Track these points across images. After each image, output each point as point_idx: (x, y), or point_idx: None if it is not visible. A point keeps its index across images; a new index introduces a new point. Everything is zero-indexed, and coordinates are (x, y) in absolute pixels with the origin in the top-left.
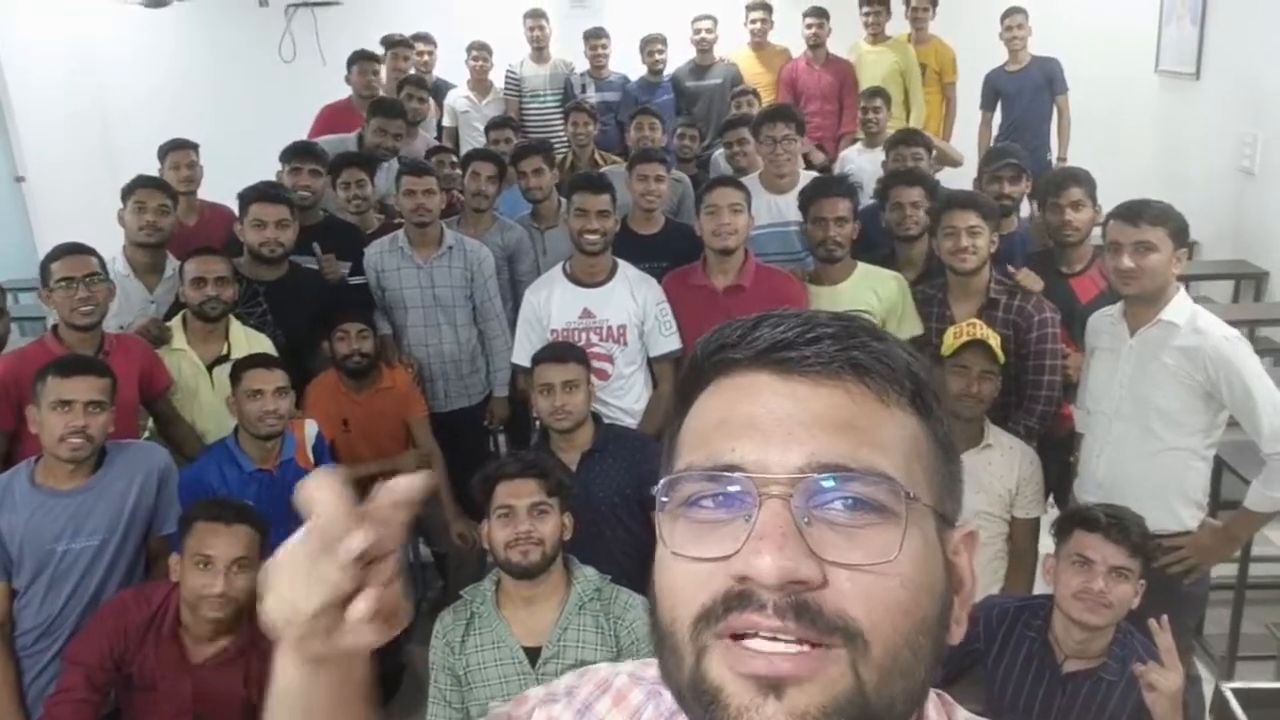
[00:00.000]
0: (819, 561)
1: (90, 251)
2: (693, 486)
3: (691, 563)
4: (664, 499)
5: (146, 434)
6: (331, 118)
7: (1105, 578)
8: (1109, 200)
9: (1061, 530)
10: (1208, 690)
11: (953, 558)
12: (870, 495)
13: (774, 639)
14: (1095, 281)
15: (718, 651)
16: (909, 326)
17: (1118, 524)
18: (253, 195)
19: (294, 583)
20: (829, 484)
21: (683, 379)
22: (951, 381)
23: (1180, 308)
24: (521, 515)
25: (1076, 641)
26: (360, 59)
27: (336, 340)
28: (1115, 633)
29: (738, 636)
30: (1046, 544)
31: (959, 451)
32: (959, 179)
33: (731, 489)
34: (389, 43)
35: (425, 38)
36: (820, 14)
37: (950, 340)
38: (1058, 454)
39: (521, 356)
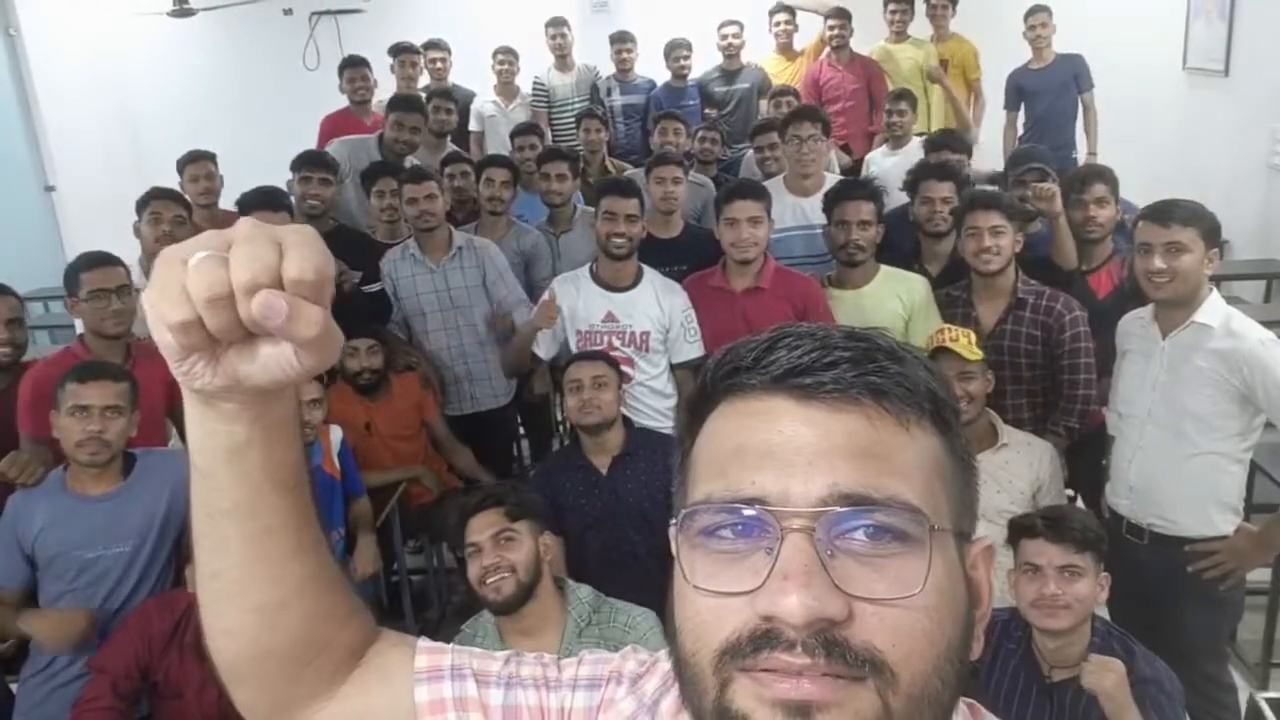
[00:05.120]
0: (845, 597)
1: (118, 262)
2: (712, 519)
3: (713, 597)
4: (682, 528)
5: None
6: (333, 126)
7: (1056, 580)
8: (1136, 199)
9: (1011, 544)
10: (1242, 699)
11: (971, 573)
12: (893, 525)
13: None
14: (1111, 277)
15: (744, 682)
16: (934, 327)
17: (1055, 524)
18: (253, 202)
19: (166, 286)
20: (851, 515)
21: (693, 398)
22: None
23: (1214, 309)
24: (487, 548)
25: (1052, 650)
26: (348, 66)
27: (346, 356)
28: (1094, 635)
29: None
30: None
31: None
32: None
33: (751, 516)
34: (396, 50)
35: (438, 44)
36: (843, 15)
37: None
38: (1090, 454)
39: (540, 348)
